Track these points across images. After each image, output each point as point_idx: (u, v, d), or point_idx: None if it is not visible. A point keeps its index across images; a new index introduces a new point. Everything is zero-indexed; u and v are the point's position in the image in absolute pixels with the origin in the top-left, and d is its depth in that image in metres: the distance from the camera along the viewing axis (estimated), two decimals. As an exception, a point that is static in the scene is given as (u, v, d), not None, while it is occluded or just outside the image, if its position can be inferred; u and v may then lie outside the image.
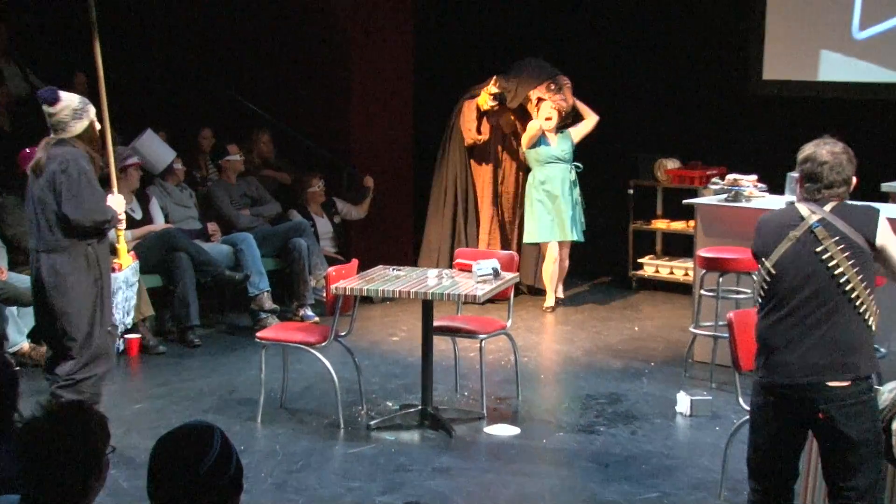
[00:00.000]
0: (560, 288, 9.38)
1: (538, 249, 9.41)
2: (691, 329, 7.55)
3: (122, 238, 6.36)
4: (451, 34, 11.08)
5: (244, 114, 10.06)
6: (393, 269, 6.74)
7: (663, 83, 10.29)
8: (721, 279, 7.23)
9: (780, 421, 4.20)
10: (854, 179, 4.20)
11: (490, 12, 10.92)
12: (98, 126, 5.94)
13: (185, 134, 9.40)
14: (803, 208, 4.17)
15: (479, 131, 9.30)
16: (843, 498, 4.13)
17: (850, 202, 4.22)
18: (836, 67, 9.40)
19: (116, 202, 6.00)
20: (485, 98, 9.23)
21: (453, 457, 6.09)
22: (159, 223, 8.54)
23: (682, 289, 9.56)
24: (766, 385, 4.19)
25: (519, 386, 7.08)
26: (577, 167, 9.14)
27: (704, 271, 7.38)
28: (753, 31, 9.76)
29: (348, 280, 6.49)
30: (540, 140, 9.05)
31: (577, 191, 9.15)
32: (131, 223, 8.35)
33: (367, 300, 8.68)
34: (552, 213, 9.04)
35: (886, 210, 7.37)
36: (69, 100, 5.80)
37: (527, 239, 9.27)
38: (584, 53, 10.28)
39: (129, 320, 6.62)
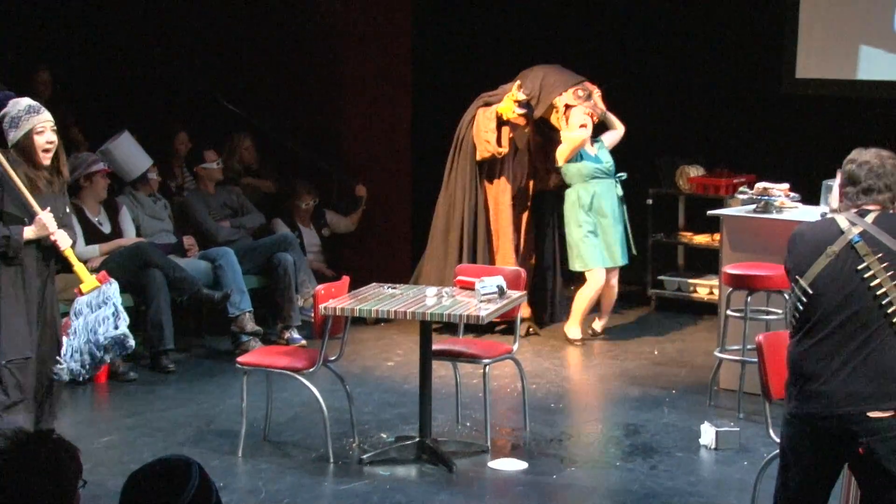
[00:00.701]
0: (605, 319, 9.17)
1: (552, 282, 9.34)
2: (716, 353, 7.56)
3: (72, 258, 6.11)
4: (454, 34, 11.13)
5: (224, 117, 10.09)
6: (388, 287, 6.76)
7: (685, 82, 10.32)
8: (749, 298, 7.25)
9: (814, 456, 4.20)
10: None
11: (494, 13, 10.97)
12: (45, 139, 5.89)
13: (158, 138, 9.41)
14: (842, 220, 4.17)
15: (498, 143, 8.86)
16: None
17: (893, 214, 4.22)
18: (877, 64, 9.43)
19: (39, 225, 5.87)
20: (510, 106, 8.76)
21: (454, 494, 6.09)
22: (130, 237, 8.55)
23: (707, 309, 9.57)
24: (800, 416, 4.19)
25: (527, 416, 7.08)
26: (619, 178, 8.92)
27: (731, 289, 7.40)
28: (786, 24, 9.80)
29: (339, 299, 6.51)
30: (581, 153, 8.78)
31: (624, 207, 8.95)
32: (99, 237, 8.38)
33: (359, 321, 8.67)
34: (600, 235, 8.80)
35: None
36: (13, 106, 5.86)
37: (576, 266, 8.92)
38: (596, 50, 10.32)
39: (106, 355, 6.50)
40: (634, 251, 9.12)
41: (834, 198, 4.76)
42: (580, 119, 8.73)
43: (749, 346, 7.05)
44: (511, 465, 6.51)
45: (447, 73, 11.11)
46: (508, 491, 6.21)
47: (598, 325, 9.11)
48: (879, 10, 9.37)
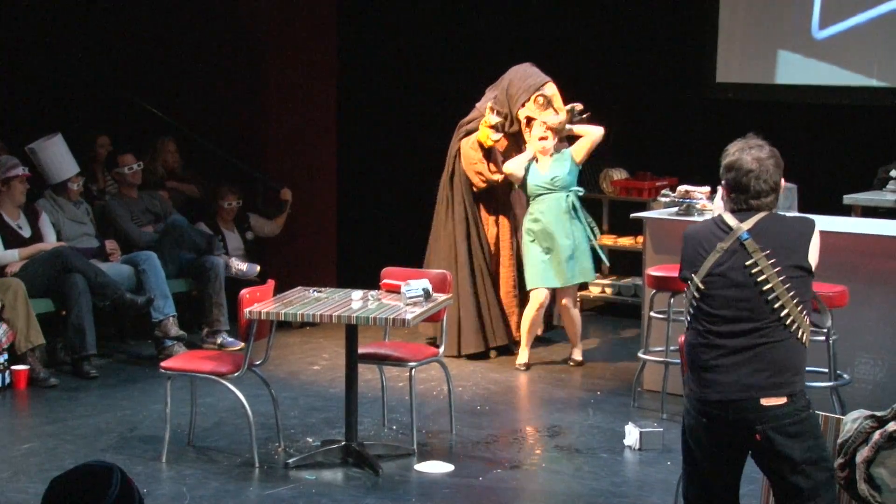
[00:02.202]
0: (578, 348, 8.59)
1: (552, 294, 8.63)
2: (640, 355, 7.62)
3: None
4: (380, 36, 11.12)
5: (149, 120, 9.99)
6: (313, 291, 6.74)
7: (608, 87, 10.40)
8: (672, 300, 7.31)
9: (715, 444, 4.27)
10: (783, 183, 4.31)
11: (420, 16, 10.97)
12: None
13: (79, 141, 9.28)
14: (731, 219, 4.27)
15: (490, 171, 8.53)
16: None
17: (782, 213, 4.35)
18: (794, 69, 9.58)
19: None
20: (485, 133, 8.46)
21: (380, 497, 6.08)
22: (51, 241, 8.45)
23: (631, 311, 9.65)
24: (698, 402, 4.27)
25: (453, 419, 7.09)
26: (577, 192, 8.43)
27: (654, 291, 7.46)
28: (706, 29, 9.91)
29: (263, 303, 6.47)
30: (528, 168, 8.34)
31: (580, 222, 8.40)
32: (19, 241, 8.26)
33: (284, 325, 8.64)
34: (551, 254, 8.31)
35: (848, 224, 7.57)
36: None
37: (527, 285, 8.50)
38: (520, 55, 10.35)
39: None
40: (606, 262, 9.06)
41: (718, 202, 4.90)
42: (539, 132, 8.32)
43: (672, 348, 7.13)
44: (437, 467, 6.51)
45: (373, 77, 11.10)
46: (435, 494, 6.21)
47: (576, 353, 8.56)
48: (797, 16, 9.51)
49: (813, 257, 4.24)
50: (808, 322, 4.23)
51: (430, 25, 11.00)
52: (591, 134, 8.43)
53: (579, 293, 10.19)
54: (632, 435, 6.79)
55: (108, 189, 9.40)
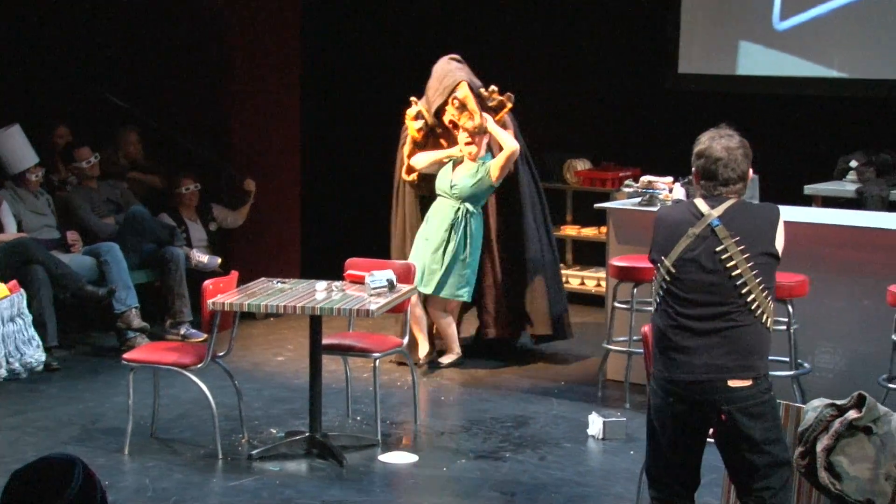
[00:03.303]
0: (453, 352, 8.18)
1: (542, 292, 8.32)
2: (604, 345, 7.65)
3: None
4: (344, 29, 11.10)
5: (110, 111, 9.91)
6: (277, 282, 6.72)
7: (572, 77, 10.43)
8: (635, 290, 7.34)
9: (678, 423, 4.37)
10: (750, 173, 4.41)
11: (385, 8, 10.95)
12: None
13: (38, 132, 9.21)
14: (703, 205, 4.37)
15: (409, 170, 8.17)
16: (756, 498, 4.32)
17: (749, 201, 4.46)
18: (756, 60, 9.62)
19: None
20: (412, 127, 8.14)
21: (345, 488, 6.07)
22: (11, 232, 8.40)
23: (595, 301, 9.68)
24: (665, 382, 4.35)
25: (417, 409, 7.10)
26: (468, 209, 7.91)
27: (617, 282, 7.49)
28: (668, 20, 9.94)
29: (227, 294, 6.44)
30: (449, 165, 8.03)
31: (460, 239, 7.90)
32: (-21, 232, 8.20)
33: (248, 316, 8.62)
34: (418, 254, 7.94)
35: (809, 213, 7.62)
36: None
37: None
38: (484, 45, 10.36)
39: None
40: (467, 298, 8.07)
41: (678, 192, 4.96)
42: (464, 137, 7.96)
43: (635, 338, 7.15)
44: (402, 458, 6.51)
45: (337, 68, 11.08)
46: (399, 484, 6.21)
47: (445, 359, 8.22)
48: (759, 7, 9.55)
49: (779, 244, 4.36)
50: (772, 307, 4.33)
51: (394, 17, 10.98)
52: (506, 148, 7.88)
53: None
54: (595, 424, 6.82)
55: (69, 180, 9.32)
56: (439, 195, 8.01)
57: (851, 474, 4.47)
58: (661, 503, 4.47)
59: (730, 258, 4.26)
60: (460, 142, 7.97)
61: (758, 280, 4.26)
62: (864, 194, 8.56)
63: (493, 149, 8.07)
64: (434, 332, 8.30)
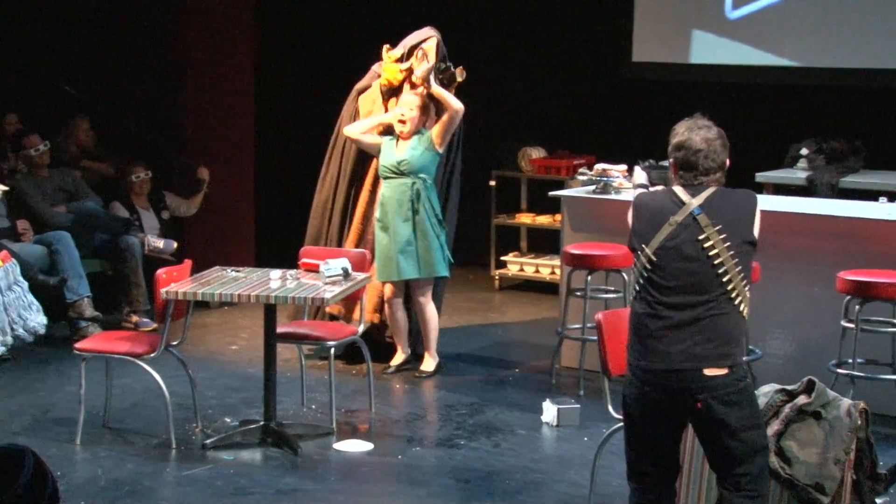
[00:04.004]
0: (430, 355, 7.82)
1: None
2: (558, 333, 7.68)
3: None
4: (298, 17, 11.05)
5: (60, 97, 9.82)
6: (231, 271, 6.69)
7: (527, 65, 10.45)
8: (590, 278, 7.38)
9: (656, 412, 4.37)
10: (728, 161, 4.41)
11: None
12: None
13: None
14: (683, 193, 4.36)
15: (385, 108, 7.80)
16: (735, 483, 4.32)
17: (728, 188, 4.43)
18: (708, 49, 9.68)
19: None
20: (393, 70, 7.76)
21: (299, 477, 6.07)
22: (-40, 221, 8.32)
23: (549, 288, 9.71)
24: (642, 372, 4.35)
25: (372, 397, 7.09)
26: (424, 180, 7.59)
27: (571, 269, 7.52)
28: (622, 9, 9.98)
29: (180, 283, 6.41)
30: (386, 146, 7.69)
31: (424, 213, 7.59)
32: (-72, 221, 8.11)
33: (202, 305, 8.58)
34: (383, 245, 7.63)
35: (761, 201, 7.67)
36: None
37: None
38: (440, 33, 10.34)
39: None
40: (445, 272, 7.71)
41: (639, 175, 4.97)
42: (399, 113, 7.62)
43: (589, 325, 7.18)
44: (356, 446, 6.51)
45: (292, 57, 11.04)
46: (354, 472, 6.21)
47: (426, 362, 7.83)
48: (712, -4, 9.63)
49: (757, 230, 4.38)
50: (748, 295, 4.35)
51: (349, 5, 10.95)
52: (450, 108, 7.58)
53: (497, 271, 10.30)
54: (549, 412, 6.85)
55: (19, 168, 9.23)
56: (387, 177, 7.64)
57: (801, 459, 4.53)
58: (641, 493, 4.48)
59: (712, 247, 4.27)
60: (394, 118, 7.65)
61: (738, 268, 4.28)
62: (814, 182, 8.64)
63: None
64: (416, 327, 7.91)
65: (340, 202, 8.06)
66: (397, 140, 7.67)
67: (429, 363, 7.80)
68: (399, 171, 7.59)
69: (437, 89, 7.65)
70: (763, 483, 4.38)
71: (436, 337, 7.81)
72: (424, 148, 7.61)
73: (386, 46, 7.89)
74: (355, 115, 7.99)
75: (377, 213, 7.71)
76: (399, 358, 7.86)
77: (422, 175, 7.59)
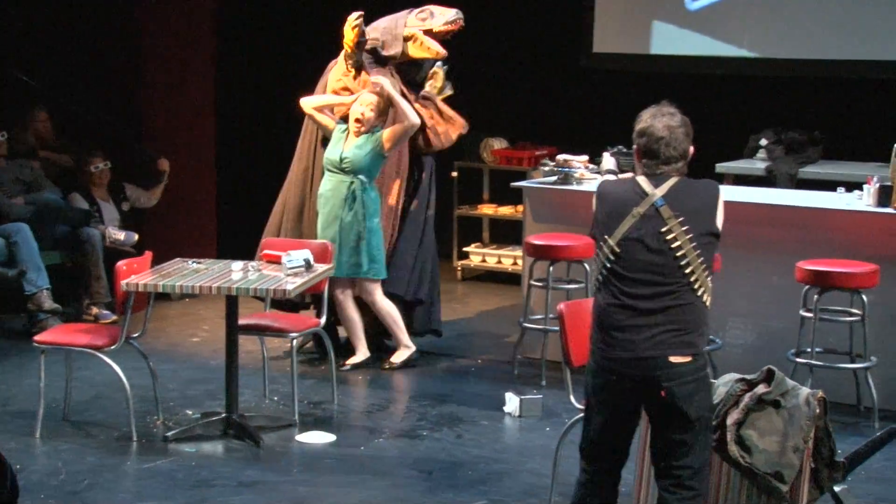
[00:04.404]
0: (401, 346, 7.75)
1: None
2: (520, 323, 7.69)
3: None
4: (259, 7, 10.99)
5: (18, 88, 9.73)
6: (192, 262, 6.66)
7: (489, 56, 10.44)
8: (551, 268, 7.40)
9: (618, 401, 4.42)
10: (692, 150, 4.42)
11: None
12: None
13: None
14: (646, 183, 4.37)
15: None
16: (675, 477, 4.36)
17: (690, 179, 4.45)
18: (668, 40, 9.72)
19: None
20: (348, 34, 7.62)
21: (262, 469, 6.05)
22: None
23: (512, 279, 9.73)
24: (607, 360, 4.38)
25: (334, 389, 7.08)
26: (362, 181, 7.48)
27: (534, 260, 7.53)
28: (583, 1, 10.00)
29: (141, 275, 6.37)
30: (335, 138, 7.61)
31: (355, 217, 7.48)
32: None
33: (163, 297, 8.53)
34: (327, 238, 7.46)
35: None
36: None
37: None
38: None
39: None
40: (371, 273, 7.57)
41: (608, 161, 4.98)
42: (358, 112, 7.52)
43: (551, 315, 7.21)
44: (319, 437, 6.50)
45: (252, 48, 10.98)
46: (316, 464, 6.20)
47: (397, 354, 7.79)
48: (672, -12, 9.66)
49: (720, 221, 4.39)
50: (710, 285, 4.38)
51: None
52: (407, 121, 7.49)
53: (460, 262, 10.31)
54: (512, 402, 6.87)
55: (-23, 160, 9.14)
56: (329, 171, 7.56)
57: (760, 447, 4.56)
58: (590, 475, 4.53)
59: (674, 238, 4.29)
60: (351, 116, 7.53)
61: (700, 259, 4.30)
62: (773, 172, 8.70)
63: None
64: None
65: (298, 195, 7.99)
66: (348, 133, 7.59)
67: (402, 353, 7.76)
68: (340, 168, 7.51)
69: (397, 99, 7.57)
70: (703, 481, 4.41)
71: (401, 326, 7.76)
72: (371, 148, 7.50)
73: (357, 14, 7.65)
74: (324, 90, 7.90)
75: (318, 207, 7.62)
76: (357, 358, 7.76)
77: (361, 176, 7.50)
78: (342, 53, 7.82)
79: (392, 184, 7.86)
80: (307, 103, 7.74)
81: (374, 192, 7.63)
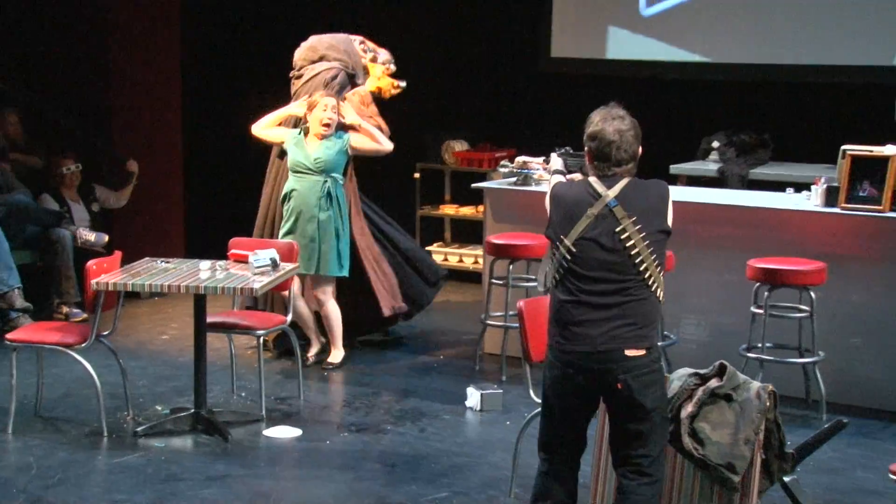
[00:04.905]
0: (337, 347, 7.71)
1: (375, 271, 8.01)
2: (481, 320, 7.71)
3: None
4: (225, 10, 10.94)
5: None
6: (161, 262, 6.64)
7: (449, 60, 10.45)
8: (511, 267, 7.42)
9: (575, 393, 4.45)
10: (640, 150, 4.46)
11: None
12: None
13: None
14: (598, 185, 4.41)
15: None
16: (634, 465, 4.41)
17: (640, 179, 4.49)
18: (623, 45, 9.75)
19: None
20: (388, 82, 8.02)
21: (230, 463, 6.04)
22: None
23: (473, 277, 9.75)
24: (565, 354, 4.41)
25: (301, 385, 7.08)
26: (336, 179, 7.55)
27: (494, 259, 7.55)
28: (540, 6, 10.02)
29: (111, 274, 6.34)
30: (294, 140, 7.62)
31: (332, 212, 7.51)
32: None
33: (132, 296, 8.49)
34: (289, 234, 7.51)
35: (674, 192, 7.75)
36: None
37: None
38: (364, 29, 10.31)
39: None
40: (344, 271, 7.61)
41: (556, 162, 5.00)
42: (326, 116, 7.54)
43: (511, 313, 7.23)
44: (286, 432, 6.49)
45: (218, 47, 10.94)
46: (283, 458, 6.20)
47: (333, 354, 7.72)
48: (626, -7, 9.70)
49: (670, 219, 4.44)
50: (663, 281, 4.42)
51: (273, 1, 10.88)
52: (381, 146, 7.67)
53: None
54: (473, 397, 6.88)
55: (-51, 162, 9.06)
56: (297, 172, 7.52)
57: (713, 439, 4.59)
58: (549, 464, 4.57)
59: (628, 238, 4.33)
60: (315, 118, 7.50)
61: (653, 257, 4.35)
62: (725, 173, 8.75)
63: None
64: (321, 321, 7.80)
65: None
66: (306, 134, 7.59)
67: (336, 355, 7.72)
68: (313, 169, 7.51)
69: (373, 131, 7.67)
70: (660, 467, 4.47)
71: (340, 332, 7.71)
72: (339, 148, 7.55)
73: (371, 56, 8.03)
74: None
75: (285, 206, 7.61)
76: (314, 349, 7.79)
77: (334, 174, 7.54)
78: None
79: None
80: (257, 128, 7.78)
81: (343, 192, 7.65)
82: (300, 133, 7.63)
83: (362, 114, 7.84)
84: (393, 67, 8.17)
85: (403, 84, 8.16)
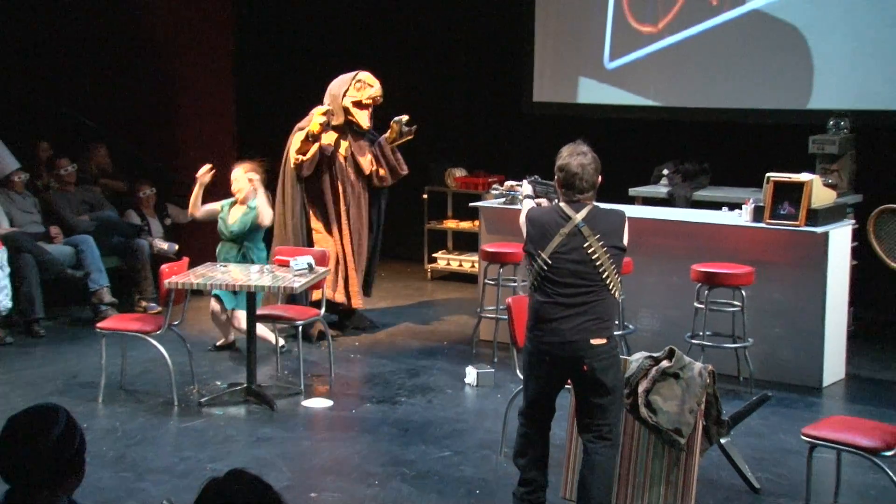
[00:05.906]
0: (279, 338, 7.26)
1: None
2: (477, 313, 7.71)
3: None
4: (274, 49, 10.94)
5: (82, 128, 9.67)
6: (220, 266, 6.65)
7: (451, 103, 10.47)
8: (501, 270, 7.42)
9: (549, 371, 4.50)
10: (600, 179, 4.51)
11: (316, 17, 10.83)
12: None
13: (23, 147, 8.95)
14: (567, 209, 4.46)
15: (303, 153, 7.56)
16: (596, 431, 4.46)
17: (602, 206, 4.54)
18: (591, 92, 9.75)
19: None
20: (316, 123, 7.47)
21: (275, 427, 6.05)
22: (4, 227, 8.18)
23: (470, 279, 9.74)
24: (541, 344, 4.47)
25: (332, 364, 7.08)
26: (249, 248, 7.18)
27: (487, 263, 7.56)
28: (524, 58, 10.04)
29: (180, 276, 6.36)
30: (224, 206, 7.28)
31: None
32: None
33: (197, 293, 8.47)
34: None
35: (632, 210, 7.76)
36: None
37: None
38: (378, 74, 10.31)
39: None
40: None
41: (527, 188, 5.04)
42: (248, 184, 7.22)
43: (501, 307, 7.23)
44: (320, 403, 6.50)
45: (269, 82, 10.93)
46: (317, 423, 6.21)
47: (280, 342, 7.31)
48: (593, 50, 9.68)
49: (626, 238, 4.52)
50: (620, 284, 4.48)
51: (322, 25, 10.82)
52: (262, 217, 7.13)
53: (429, 265, 10.31)
54: (471, 375, 6.88)
55: (51, 185, 9.09)
56: (224, 238, 7.24)
57: (664, 409, 4.60)
58: (527, 427, 4.60)
59: (594, 252, 4.39)
60: (242, 186, 7.19)
61: (613, 266, 4.42)
62: (673, 195, 8.74)
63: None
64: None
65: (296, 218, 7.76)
66: (233, 205, 7.26)
67: (281, 340, 7.28)
68: (231, 237, 7.21)
69: (260, 200, 7.18)
70: (618, 432, 4.52)
71: (270, 333, 7.25)
72: (250, 220, 7.15)
73: (321, 110, 7.53)
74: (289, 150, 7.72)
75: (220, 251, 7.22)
76: (222, 342, 7.53)
77: (247, 241, 7.20)
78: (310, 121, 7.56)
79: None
80: (194, 210, 7.28)
81: (262, 252, 7.26)
82: (232, 201, 7.24)
83: (293, 147, 7.48)
84: (332, 115, 7.59)
85: (322, 120, 7.46)
